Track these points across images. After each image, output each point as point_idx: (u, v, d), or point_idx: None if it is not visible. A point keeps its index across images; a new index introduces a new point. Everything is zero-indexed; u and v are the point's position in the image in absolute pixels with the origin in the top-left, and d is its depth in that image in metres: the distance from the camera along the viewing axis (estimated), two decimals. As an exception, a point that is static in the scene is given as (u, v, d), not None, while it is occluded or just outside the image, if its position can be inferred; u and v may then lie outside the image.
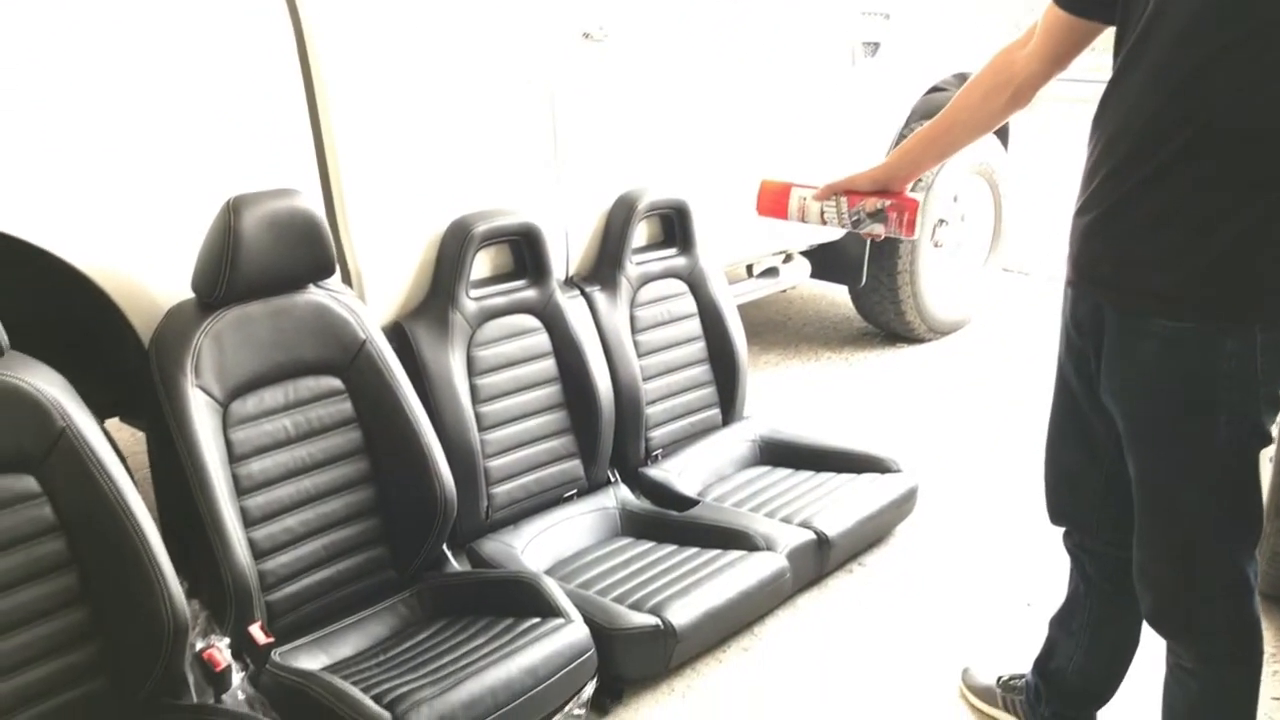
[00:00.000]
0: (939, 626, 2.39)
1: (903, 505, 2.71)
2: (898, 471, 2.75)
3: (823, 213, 1.91)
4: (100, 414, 2.32)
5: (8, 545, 1.66)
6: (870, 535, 2.65)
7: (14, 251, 1.86)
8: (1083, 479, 1.70)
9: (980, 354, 4.08)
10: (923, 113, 3.99)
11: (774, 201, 1.96)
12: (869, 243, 3.79)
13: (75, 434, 1.70)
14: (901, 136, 3.84)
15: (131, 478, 1.84)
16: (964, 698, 2.16)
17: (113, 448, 1.78)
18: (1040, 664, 1.96)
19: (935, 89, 3.99)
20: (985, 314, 4.45)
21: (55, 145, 1.85)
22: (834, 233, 3.74)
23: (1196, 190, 1.36)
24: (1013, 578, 2.56)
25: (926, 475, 2.87)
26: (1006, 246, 4.48)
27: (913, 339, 4.19)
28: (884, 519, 2.66)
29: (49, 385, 1.71)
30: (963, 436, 3.34)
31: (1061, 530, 1.82)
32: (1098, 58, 1.62)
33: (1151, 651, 1.72)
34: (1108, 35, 1.52)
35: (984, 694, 2.12)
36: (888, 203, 1.84)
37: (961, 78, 4.06)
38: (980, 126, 1.77)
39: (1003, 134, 4.39)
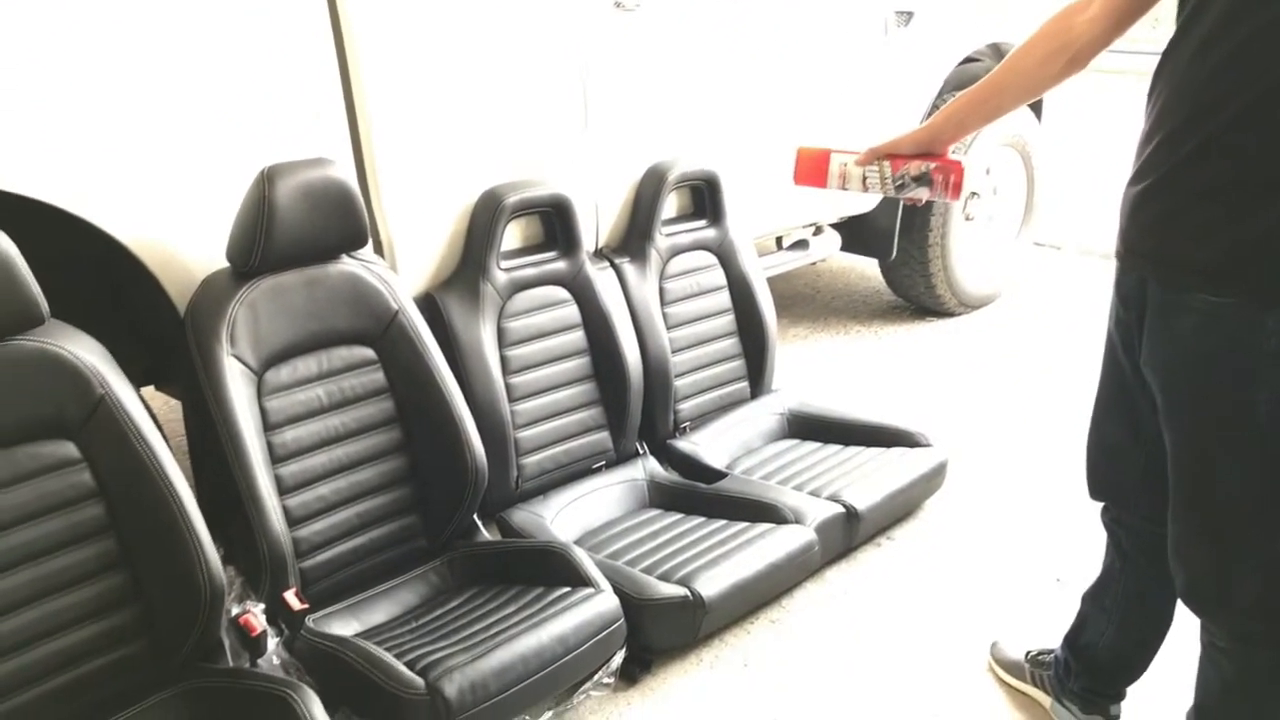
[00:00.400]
0: (967, 601, 2.39)
1: (932, 480, 2.70)
2: (927, 446, 2.75)
3: (865, 178, 1.88)
4: (135, 382, 2.36)
5: (49, 510, 1.69)
6: (899, 509, 2.65)
7: (53, 221, 1.88)
8: (1124, 453, 1.68)
9: (1011, 328, 4.05)
10: (956, 83, 3.94)
11: (813, 169, 1.93)
12: (900, 216, 3.75)
13: (114, 401, 1.72)
14: (934, 108, 3.80)
15: (167, 445, 1.86)
16: (992, 672, 2.16)
17: (150, 416, 1.80)
18: (1070, 639, 1.96)
19: (969, 59, 3.94)
20: (1016, 288, 4.41)
21: (92, 116, 1.86)
22: (865, 204, 3.72)
23: (1241, 165, 1.34)
24: (1042, 553, 2.55)
25: (956, 450, 2.86)
26: (1039, 220, 4.43)
27: (943, 313, 4.16)
28: (913, 493, 2.66)
29: (88, 353, 1.73)
30: (993, 411, 3.32)
31: (1099, 505, 1.81)
32: (1136, 29, 1.60)
33: (1185, 630, 1.71)
34: (1167, 4, 1.49)
35: (1012, 668, 2.12)
36: (933, 165, 1.82)
37: (995, 48, 4.01)
38: (1033, 90, 1.74)
39: (1036, 105, 4.33)
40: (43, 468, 1.69)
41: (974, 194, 4.00)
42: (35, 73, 1.79)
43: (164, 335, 2.14)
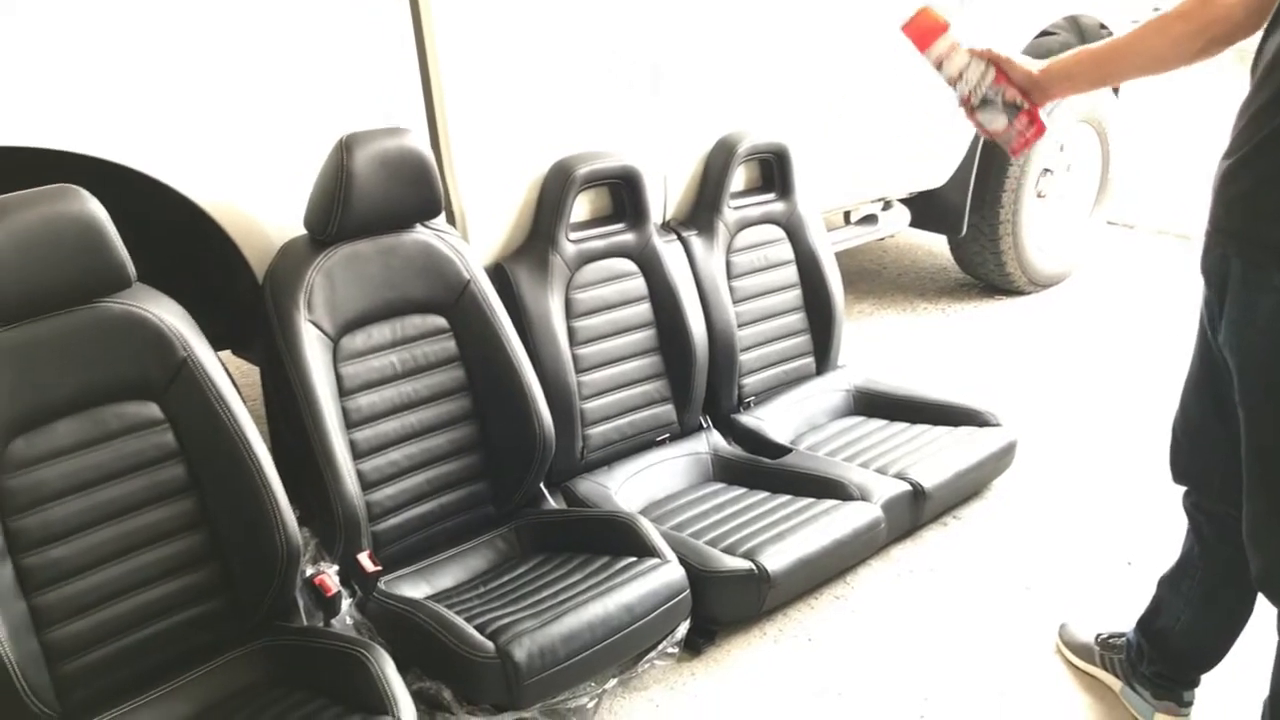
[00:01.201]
0: (1035, 582, 2.36)
1: (1001, 459, 2.67)
2: (996, 425, 2.71)
3: (963, 71, 1.80)
4: (213, 347, 2.41)
5: (133, 469, 1.74)
6: (966, 489, 2.62)
7: (137, 186, 1.92)
8: (1209, 437, 1.65)
9: (1081, 308, 3.97)
10: (1031, 56, 3.85)
11: (924, 30, 1.84)
12: (971, 191, 3.69)
13: (196, 364, 1.77)
14: (1009, 82, 3.72)
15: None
16: (1060, 654, 2.14)
17: (230, 379, 1.85)
18: (1144, 623, 1.93)
19: (1045, 33, 3.85)
20: (1088, 267, 4.31)
21: (177, 83, 1.90)
22: (936, 179, 3.65)
23: None
24: (1113, 535, 2.51)
25: (1025, 430, 2.82)
26: (1113, 198, 4.33)
27: (1012, 291, 4.09)
28: (981, 473, 2.63)
29: (172, 316, 1.77)
30: (1062, 392, 3.26)
31: (1179, 490, 1.78)
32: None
33: (1265, 617, 1.67)
34: None
35: (1081, 651, 2.09)
36: (1027, 104, 1.77)
37: (1073, 20, 3.92)
38: (1158, 67, 1.64)
39: (1114, 80, 4.21)
40: (127, 428, 1.74)
41: (1047, 170, 3.91)
42: (121, 40, 1.83)
43: (242, 301, 2.18)
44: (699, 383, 2.66)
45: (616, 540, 2.11)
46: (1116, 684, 2.02)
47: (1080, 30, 4.14)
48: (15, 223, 1.56)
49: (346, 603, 1.94)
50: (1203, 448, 1.67)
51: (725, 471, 2.62)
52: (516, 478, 2.23)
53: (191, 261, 2.25)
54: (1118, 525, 2.55)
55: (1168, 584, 1.88)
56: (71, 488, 1.68)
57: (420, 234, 2.15)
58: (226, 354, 2.43)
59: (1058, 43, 4.14)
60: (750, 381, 2.85)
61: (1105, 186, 4.25)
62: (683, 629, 2.06)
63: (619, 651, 1.92)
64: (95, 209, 1.63)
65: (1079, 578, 2.37)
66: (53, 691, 1.63)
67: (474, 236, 2.39)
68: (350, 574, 1.96)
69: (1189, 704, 1.91)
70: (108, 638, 1.71)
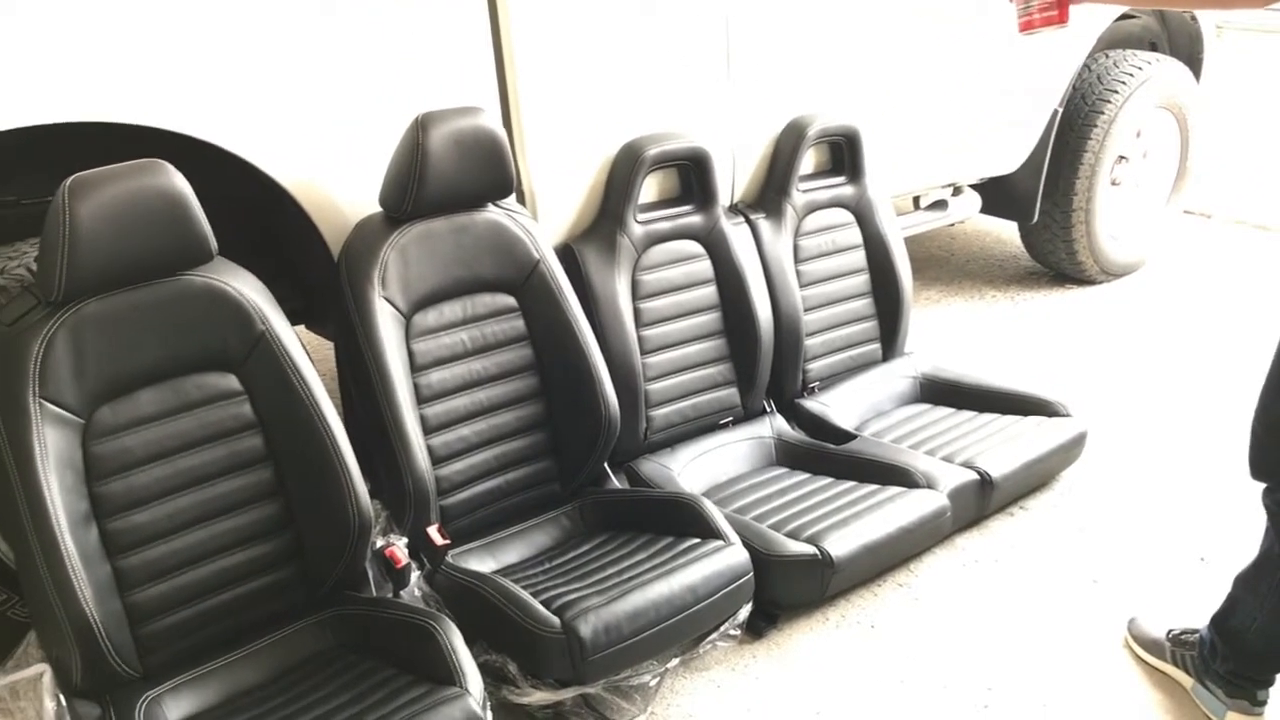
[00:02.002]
0: (1103, 575, 2.32)
1: (1070, 450, 2.62)
2: (1066, 416, 2.66)
3: None
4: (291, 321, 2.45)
5: (213, 438, 1.79)
6: (1035, 479, 2.59)
7: (216, 162, 1.96)
8: None
9: (1155, 299, 3.87)
10: (1109, 41, 3.77)
11: None
12: (1044, 178, 3.62)
13: (273, 337, 1.80)
14: (1086, 67, 3.64)
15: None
16: (1129, 648, 2.11)
17: (305, 353, 1.88)
18: (1219, 620, 1.89)
19: (1126, 16, 3.77)
20: (1162, 257, 4.21)
21: (258, 61, 1.93)
22: (1009, 164, 3.58)
23: None
24: (1185, 531, 2.46)
25: (1095, 421, 2.77)
26: (1190, 187, 4.22)
27: (1083, 280, 4.01)
28: (1050, 463, 2.59)
29: (251, 290, 1.81)
30: (1133, 383, 3.20)
31: (1260, 486, 1.74)
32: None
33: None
34: None
35: (1152, 646, 2.06)
36: None
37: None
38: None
39: (1195, 65, 4.10)
40: (207, 398, 1.78)
41: (1122, 157, 3.83)
42: (208, 20, 1.86)
43: (317, 277, 2.22)
44: (763, 367, 2.65)
45: (680, 521, 2.12)
46: (1188, 681, 1.98)
47: (1163, 14, 4.04)
48: (104, 196, 1.59)
49: (415, 575, 1.97)
50: None
51: (788, 456, 2.61)
52: (581, 456, 2.25)
53: (269, 237, 2.30)
54: (1190, 521, 2.49)
55: (1244, 582, 1.84)
56: (154, 455, 1.73)
57: (492, 213, 2.16)
58: (300, 329, 2.47)
59: (1138, 26, 4.05)
60: (815, 366, 2.83)
61: (1183, 175, 4.14)
62: (745, 612, 2.06)
63: (682, 631, 1.93)
64: (181, 184, 1.67)
65: (1149, 572, 2.33)
66: (134, 651, 1.68)
67: (543, 217, 2.40)
68: (419, 547, 1.99)
69: (1263, 703, 1.87)
70: (186, 601, 1.76)
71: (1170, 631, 2.04)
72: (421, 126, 1.97)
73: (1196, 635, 1.97)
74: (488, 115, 2.06)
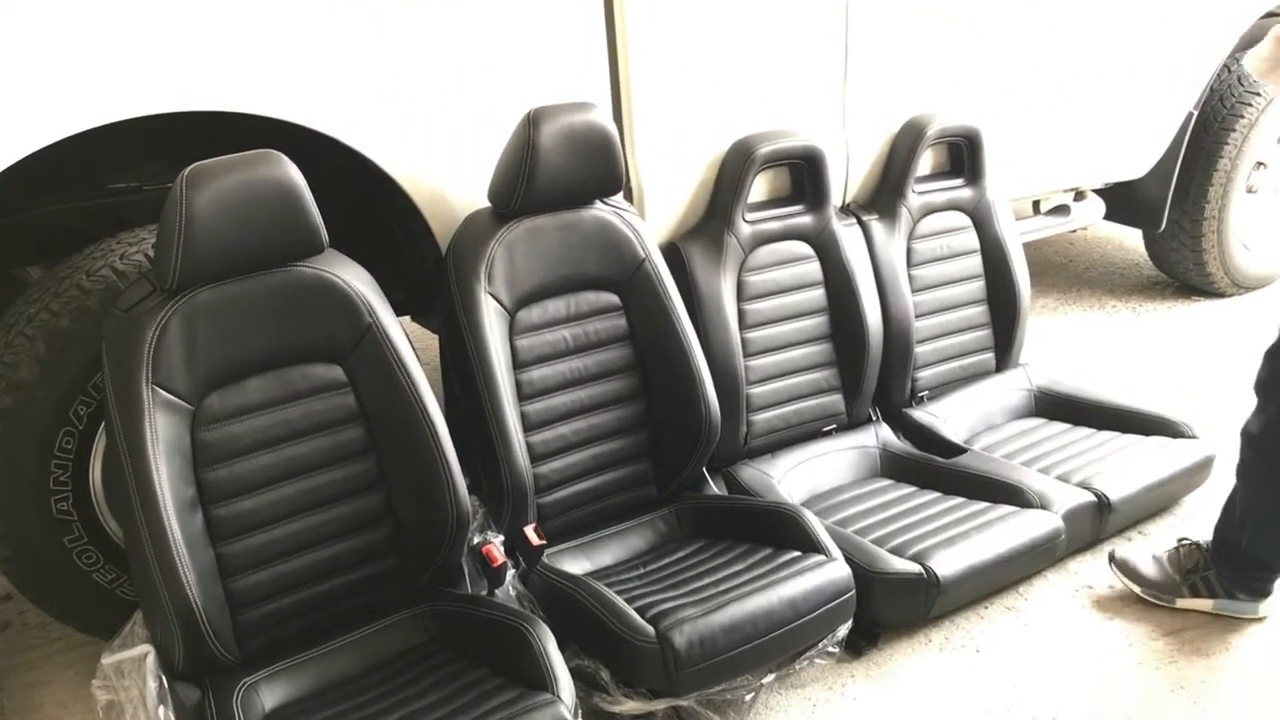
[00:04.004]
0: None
1: (1194, 475, 2.48)
2: (1191, 438, 2.52)
3: None
4: (395, 312, 2.47)
5: (316, 429, 1.80)
6: (1155, 503, 2.45)
7: (330, 153, 1.97)
8: None
9: (1291, 315, 3.65)
10: (1250, 40, 3.55)
11: None
12: (1174, 184, 3.43)
13: (380, 330, 1.80)
14: (1225, 68, 3.45)
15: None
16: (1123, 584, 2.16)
17: (411, 347, 1.88)
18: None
19: (1270, 14, 3.54)
20: (1300, 270, 3.97)
21: (371, 53, 1.93)
22: (1136, 169, 3.41)
23: None
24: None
25: (1222, 444, 2.61)
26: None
27: (1212, 293, 3.80)
28: (1172, 487, 2.45)
29: (360, 283, 1.81)
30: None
31: None
32: None
33: None
34: None
35: (1160, 586, 2.12)
36: None
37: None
38: None
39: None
40: (313, 389, 1.79)
41: (1261, 164, 3.61)
42: (324, 13, 1.87)
43: (425, 270, 2.22)
44: (870, 373, 2.57)
45: (779, 532, 2.06)
46: (1209, 604, 2.11)
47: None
48: (220, 186, 1.61)
49: (510, 574, 1.96)
50: None
51: (894, 468, 2.52)
52: (680, 460, 2.20)
53: (378, 228, 2.31)
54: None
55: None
56: (259, 444, 1.75)
57: (599, 210, 2.13)
58: (405, 320, 2.48)
59: (1284, 24, 3.81)
60: (925, 375, 2.73)
61: (1327, 183, 3.89)
62: (844, 629, 2.00)
63: (780, 647, 1.88)
64: (294, 175, 1.68)
65: (1275, 606, 2.18)
66: (233, 637, 1.70)
67: (650, 214, 2.36)
68: (515, 545, 1.97)
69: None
70: (286, 590, 1.78)
71: (1169, 555, 2.19)
72: (533, 122, 1.95)
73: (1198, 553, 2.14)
74: (599, 111, 2.03)
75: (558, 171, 1.99)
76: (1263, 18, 3.45)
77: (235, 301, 1.70)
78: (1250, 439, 2.01)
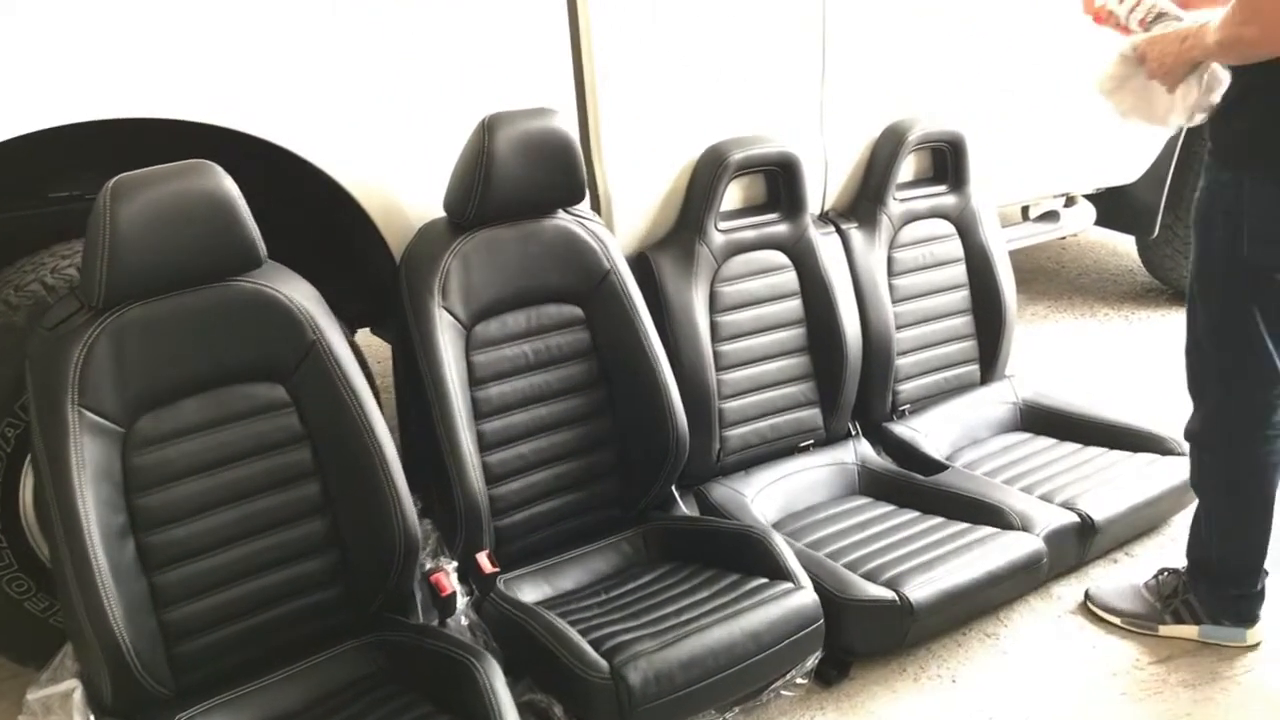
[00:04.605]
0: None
1: (1183, 493, 2.37)
2: (1181, 455, 2.42)
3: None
4: (352, 325, 2.39)
5: (258, 451, 1.72)
6: (1142, 524, 2.37)
7: (281, 163, 1.89)
8: None
9: (1288, 323, 3.56)
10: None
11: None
12: (1167, 189, 3.35)
13: (325, 348, 1.72)
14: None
15: (375, 392, 1.86)
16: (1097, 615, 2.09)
17: (359, 363, 1.80)
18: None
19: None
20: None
21: (319, 60, 1.86)
22: (1128, 174, 3.33)
23: None
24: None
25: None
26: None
27: (1206, 300, 3.71)
28: (1159, 507, 2.37)
29: (303, 298, 1.73)
30: (1260, 418, 2.92)
31: None
32: None
33: None
34: None
35: (1141, 617, 2.07)
36: None
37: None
38: None
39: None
40: (253, 409, 1.71)
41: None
42: (271, 18, 1.79)
43: (382, 280, 2.14)
44: (849, 387, 2.49)
45: (748, 557, 1.97)
46: (1194, 631, 2.05)
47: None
48: (147, 198, 1.53)
49: (464, 600, 1.88)
50: None
51: (872, 485, 2.44)
52: (647, 479, 2.12)
53: (334, 240, 2.23)
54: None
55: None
56: (196, 467, 1.66)
57: (561, 220, 2.05)
58: (365, 333, 2.40)
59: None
60: (906, 388, 2.65)
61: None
62: (814, 659, 1.91)
63: (741, 682, 1.79)
64: (227, 186, 1.59)
65: (1267, 632, 2.09)
66: (168, 670, 1.62)
67: (618, 223, 2.28)
68: (469, 572, 1.89)
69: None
70: (225, 620, 1.69)
71: (1148, 584, 2.13)
72: (488, 129, 1.87)
73: (1177, 578, 2.09)
74: (559, 117, 1.95)
75: (515, 179, 1.91)
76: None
77: (168, 319, 1.62)
78: (1194, 438, 2.02)
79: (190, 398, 1.66)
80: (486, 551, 1.88)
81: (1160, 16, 1.81)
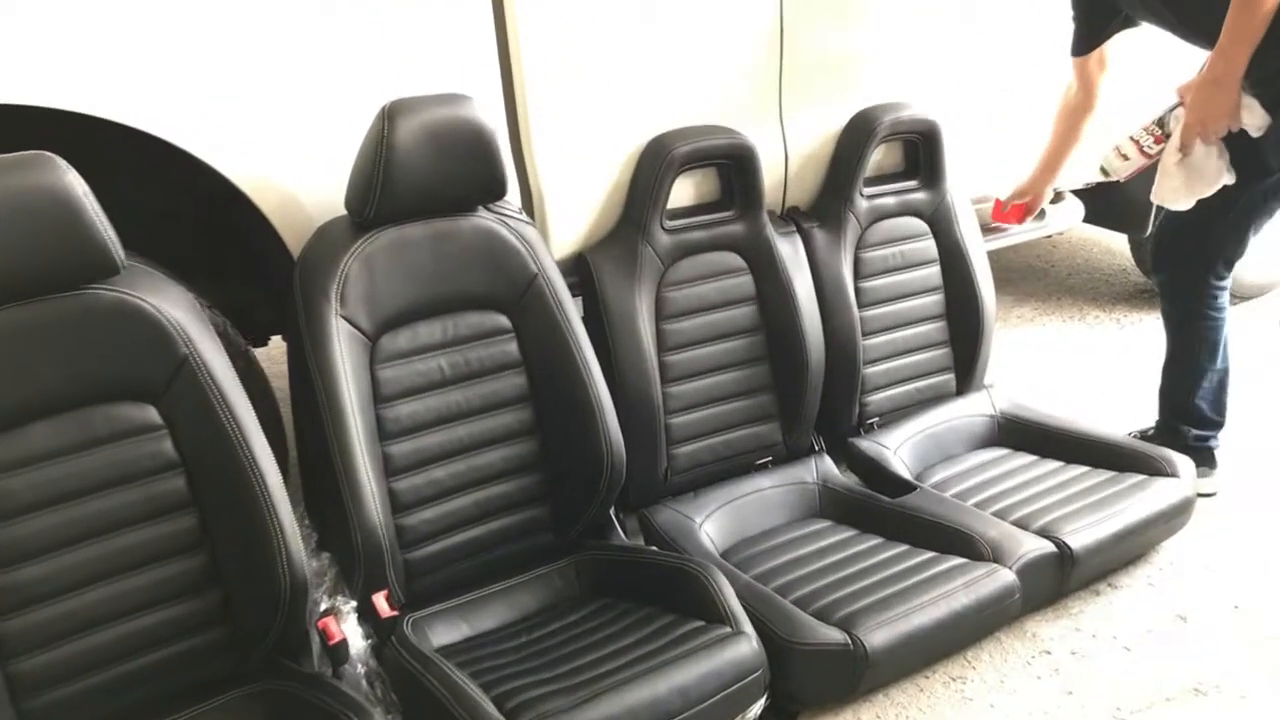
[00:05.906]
0: (1210, 679, 1.90)
1: (1172, 519, 2.18)
2: (1171, 476, 2.22)
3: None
4: (267, 331, 2.20)
5: (123, 480, 1.53)
6: (1126, 553, 2.16)
7: (171, 160, 1.69)
8: None
9: (1289, 325, 3.37)
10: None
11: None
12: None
13: (198, 363, 1.53)
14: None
15: (275, 409, 1.66)
16: None
17: (258, 377, 1.61)
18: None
19: None
20: (1300, 277, 3.67)
21: (207, 48, 1.66)
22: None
23: None
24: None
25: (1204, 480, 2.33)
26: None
27: (1203, 302, 3.51)
28: (1147, 535, 2.16)
29: (174, 307, 1.53)
30: (1260, 433, 2.70)
31: None
32: None
33: None
34: None
35: None
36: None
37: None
38: None
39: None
40: (117, 433, 1.52)
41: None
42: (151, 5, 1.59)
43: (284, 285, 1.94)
44: (811, 399, 2.30)
45: (687, 594, 1.78)
46: None
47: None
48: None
49: (365, 643, 1.69)
50: None
51: (834, 507, 2.24)
52: (579, 504, 1.93)
53: (236, 241, 2.04)
54: (1321, 613, 2.05)
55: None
56: (47, 500, 1.47)
57: (482, 218, 1.86)
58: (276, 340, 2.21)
59: None
60: (875, 400, 2.46)
61: (1329, 183, 3.59)
62: (757, 708, 1.72)
63: (667, 741, 1.60)
64: (71, 181, 1.39)
65: (1265, 678, 1.89)
66: (18, 729, 1.43)
67: (553, 222, 2.09)
68: (367, 615, 1.69)
69: None
70: (85, 671, 1.51)
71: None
72: (388, 116, 1.67)
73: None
74: (472, 104, 1.75)
75: (423, 173, 1.71)
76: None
77: (12, 333, 1.42)
78: (1162, 289, 2.41)
79: (40, 421, 1.46)
80: (384, 592, 1.68)
81: (1161, 121, 2.21)
